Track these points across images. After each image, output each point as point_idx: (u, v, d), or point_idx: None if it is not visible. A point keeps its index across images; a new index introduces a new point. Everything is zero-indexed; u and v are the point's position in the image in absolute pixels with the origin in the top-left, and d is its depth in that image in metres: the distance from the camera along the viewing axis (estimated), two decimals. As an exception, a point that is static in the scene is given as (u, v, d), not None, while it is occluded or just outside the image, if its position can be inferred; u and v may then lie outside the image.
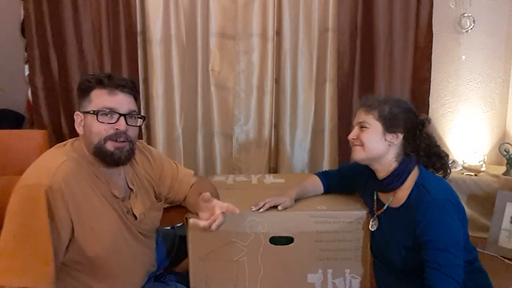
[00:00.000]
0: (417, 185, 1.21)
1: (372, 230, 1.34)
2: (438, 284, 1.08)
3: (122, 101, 1.14)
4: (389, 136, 1.23)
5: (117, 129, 1.12)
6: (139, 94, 1.27)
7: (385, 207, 1.29)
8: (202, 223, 1.08)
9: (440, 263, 1.09)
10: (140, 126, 1.22)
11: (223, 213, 1.09)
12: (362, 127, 1.26)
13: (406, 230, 1.19)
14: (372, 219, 1.35)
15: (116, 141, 1.13)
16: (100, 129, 1.11)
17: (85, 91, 1.14)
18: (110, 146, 1.12)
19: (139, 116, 1.20)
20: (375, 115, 1.24)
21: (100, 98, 1.12)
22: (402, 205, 1.23)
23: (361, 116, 1.27)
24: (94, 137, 1.12)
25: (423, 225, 1.14)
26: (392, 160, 1.25)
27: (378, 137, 1.23)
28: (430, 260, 1.11)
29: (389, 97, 1.32)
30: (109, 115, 1.12)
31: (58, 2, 2.52)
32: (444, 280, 1.07)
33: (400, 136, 1.24)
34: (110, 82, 1.13)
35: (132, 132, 1.17)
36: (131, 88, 1.18)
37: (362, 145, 1.25)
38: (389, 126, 1.23)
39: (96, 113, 1.11)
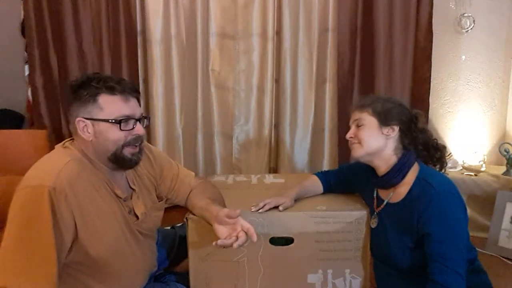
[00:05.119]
0: (418, 179, 1.21)
1: (373, 227, 1.34)
2: (441, 277, 1.07)
3: (134, 106, 1.15)
4: (385, 130, 1.26)
5: (135, 134, 1.14)
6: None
7: (384, 203, 1.29)
8: (224, 241, 1.11)
9: (443, 256, 1.08)
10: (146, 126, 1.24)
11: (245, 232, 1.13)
12: (358, 125, 1.30)
13: (407, 223, 1.19)
14: (372, 217, 1.35)
15: (134, 146, 1.14)
16: (120, 136, 1.11)
17: (91, 95, 1.10)
18: (127, 152, 1.13)
19: (145, 116, 1.22)
20: (369, 111, 1.28)
21: (114, 105, 1.10)
22: (403, 199, 1.23)
23: (356, 114, 1.31)
24: (111, 145, 1.11)
25: (425, 217, 1.13)
26: (391, 154, 1.27)
27: (374, 131, 1.26)
28: (433, 253, 1.10)
29: (380, 96, 1.38)
30: (126, 122, 1.12)
31: (58, 2, 2.53)
32: (447, 274, 1.06)
33: (396, 128, 1.26)
34: (121, 88, 1.12)
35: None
36: (137, 91, 1.19)
37: (360, 142, 1.28)
38: (384, 119, 1.26)
39: (119, 122, 1.10)
